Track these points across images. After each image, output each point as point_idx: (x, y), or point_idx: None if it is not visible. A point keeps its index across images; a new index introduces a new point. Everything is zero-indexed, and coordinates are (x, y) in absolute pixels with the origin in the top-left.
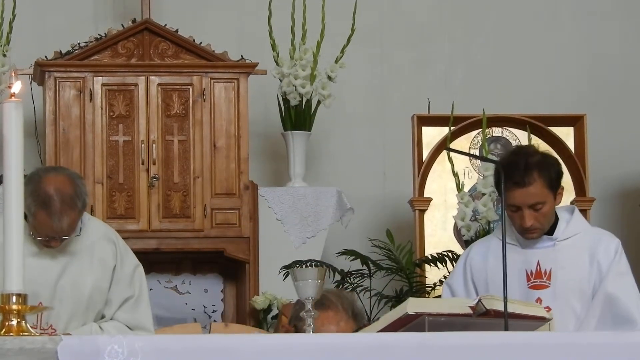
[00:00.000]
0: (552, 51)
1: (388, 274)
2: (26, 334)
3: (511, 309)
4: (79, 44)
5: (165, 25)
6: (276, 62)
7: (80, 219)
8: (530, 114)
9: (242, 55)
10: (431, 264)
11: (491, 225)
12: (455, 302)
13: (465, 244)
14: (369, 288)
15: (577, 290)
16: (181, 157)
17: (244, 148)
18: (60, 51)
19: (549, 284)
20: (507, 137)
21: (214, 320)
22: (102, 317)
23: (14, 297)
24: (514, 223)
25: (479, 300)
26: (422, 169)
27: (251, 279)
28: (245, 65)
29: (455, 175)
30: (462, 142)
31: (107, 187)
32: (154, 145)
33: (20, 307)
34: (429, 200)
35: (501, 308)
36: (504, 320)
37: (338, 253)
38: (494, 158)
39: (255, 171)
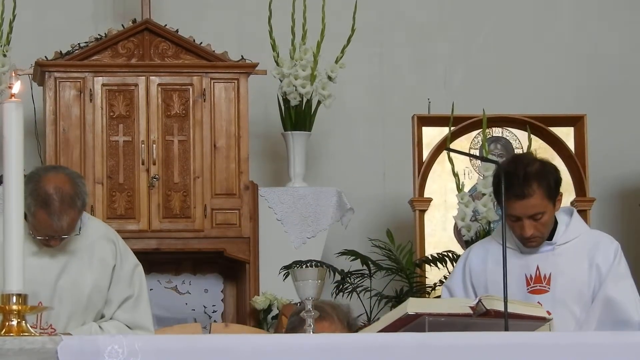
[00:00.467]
0: (552, 51)
1: (388, 274)
2: (26, 334)
3: (511, 309)
4: (79, 44)
5: (166, 25)
6: (276, 62)
7: (80, 219)
8: (530, 114)
9: (242, 56)
10: (431, 264)
11: (491, 225)
12: (456, 302)
13: (466, 244)
14: (369, 288)
15: (576, 295)
16: (181, 157)
17: (244, 148)
18: (61, 51)
19: (549, 288)
20: (507, 137)
21: (214, 321)
22: (102, 316)
23: (14, 298)
24: (514, 232)
25: (479, 301)
26: (422, 169)
27: (251, 279)
28: (246, 65)
29: (456, 175)
30: (462, 142)
31: (107, 187)
32: (154, 145)
33: (20, 308)
34: (429, 200)
35: (501, 308)
36: (504, 320)
37: (338, 253)
38: (494, 158)
39: (255, 171)
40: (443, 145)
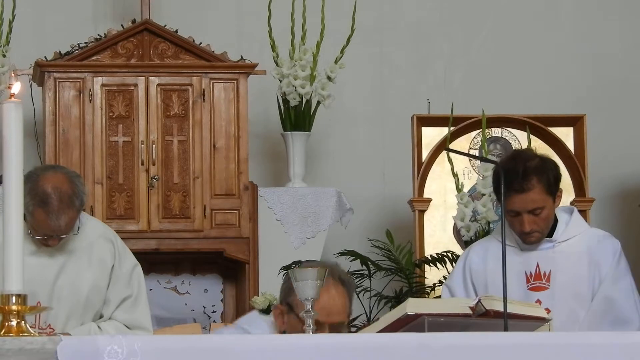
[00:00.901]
0: (552, 51)
1: (388, 275)
2: (26, 334)
3: (511, 309)
4: (78, 44)
5: (165, 25)
6: (276, 62)
7: (79, 218)
8: (530, 114)
9: (241, 56)
10: (431, 264)
11: (491, 225)
12: (455, 302)
13: (465, 244)
14: (368, 288)
15: (576, 292)
16: (181, 157)
17: (243, 148)
18: (60, 52)
19: (548, 285)
20: (507, 138)
21: (214, 321)
22: (101, 316)
23: (14, 298)
24: (514, 228)
25: (479, 301)
26: (422, 169)
27: (251, 279)
28: (245, 65)
29: (455, 175)
30: (462, 143)
31: (106, 188)
32: (154, 145)
33: (19, 308)
34: (429, 200)
35: (501, 308)
36: (504, 320)
37: (338, 253)
38: (494, 158)
39: (255, 171)
40: (442, 146)
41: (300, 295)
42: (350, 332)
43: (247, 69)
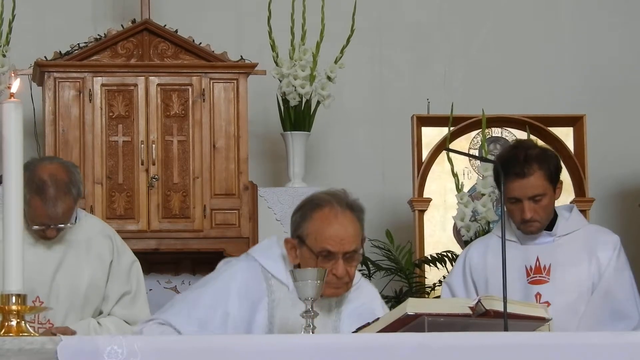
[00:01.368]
0: (552, 51)
1: (387, 275)
2: (25, 334)
3: (511, 309)
4: (78, 44)
5: (165, 25)
6: (276, 62)
7: (76, 208)
8: (530, 114)
9: (241, 56)
10: (431, 264)
11: (490, 225)
12: (455, 302)
13: (465, 244)
14: None
15: (576, 286)
16: (181, 157)
17: (243, 148)
18: (60, 51)
19: (548, 279)
20: (507, 138)
21: None
22: (100, 312)
23: (14, 298)
24: (513, 217)
25: (479, 301)
26: (422, 169)
27: None
28: (245, 65)
29: (455, 175)
30: (462, 143)
31: (106, 188)
32: (154, 145)
33: (19, 308)
34: (429, 200)
35: (501, 308)
36: (504, 320)
37: None
38: (493, 158)
39: (255, 171)
40: (442, 146)
41: (300, 295)
42: (364, 256)
43: (247, 69)
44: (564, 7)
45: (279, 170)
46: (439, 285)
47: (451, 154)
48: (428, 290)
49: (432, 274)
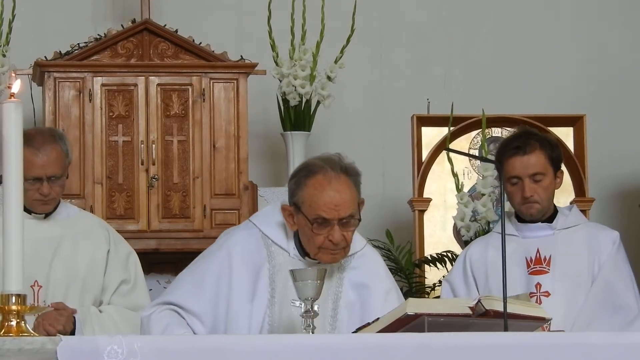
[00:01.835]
0: (552, 51)
1: None
2: (25, 334)
3: (511, 309)
4: (78, 44)
5: (165, 25)
6: (276, 62)
7: (66, 164)
8: (530, 114)
9: (241, 56)
10: (431, 264)
11: (491, 225)
12: (455, 302)
13: (465, 244)
14: None
15: (576, 277)
16: (181, 157)
17: (243, 148)
18: (60, 51)
19: (549, 269)
20: None
21: None
22: (101, 303)
23: (14, 298)
24: (514, 199)
25: (479, 301)
26: (422, 169)
27: None
28: (245, 65)
29: (455, 175)
30: (462, 143)
31: (106, 188)
32: (154, 145)
33: (19, 308)
34: (429, 200)
35: (500, 308)
36: (504, 320)
37: None
38: (493, 158)
39: (255, 171)
40: (442, 146)
41: (300, 295)
42: (360, 220)
43: (247, 68)
44: (564, 7)
45: (279, 170)
46: (439, 285)
47: (451, 154)
48: (428, 290)
49: (432, 274)
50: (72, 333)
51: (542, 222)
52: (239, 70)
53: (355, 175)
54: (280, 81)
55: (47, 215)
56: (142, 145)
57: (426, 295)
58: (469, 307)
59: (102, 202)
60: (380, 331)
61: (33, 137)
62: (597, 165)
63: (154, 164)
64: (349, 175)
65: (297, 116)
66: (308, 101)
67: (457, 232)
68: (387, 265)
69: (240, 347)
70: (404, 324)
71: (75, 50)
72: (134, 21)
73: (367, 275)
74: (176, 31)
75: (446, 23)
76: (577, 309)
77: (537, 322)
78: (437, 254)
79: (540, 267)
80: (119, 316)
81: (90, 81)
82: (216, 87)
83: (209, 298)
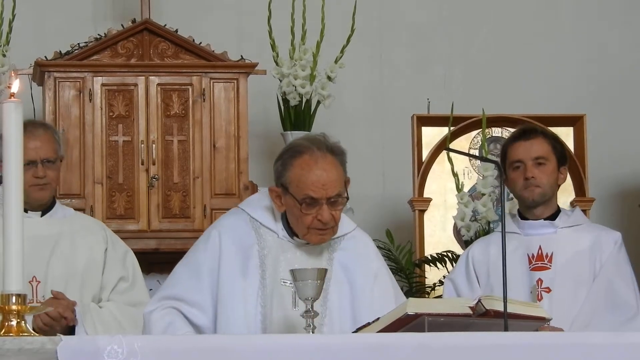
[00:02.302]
0: (552, 51)
1: None
2: (25, 334)
3: (511, 309)
4: (78, 44)
5: (165, 25)
6: (276, 62)
7: (59, 149)
8: (530, 114)
9: (241, 56)
10: (431, 264)
11: (491, 225)
12: (455, 302)
13: (465, 244)
14: None
15: (577, 273)
16: (181, 157)
17: (243, 148)
18: (60, 51)
19: (550, 266)
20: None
21: None
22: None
23: (14, 298)
24: (516, 184)
25: (479, 301)
26: (422, 169)
27: None
28: (245, 65)
29: (455, 175)
30: (462, 142)
31: (106, 188)
32: (154, 145)
33: (19, 308)
34: (429, 200)
35: (501, 308)
36: (504, 320)
37: None
38: (494, 158)
39: (255, 171)
40: (442, 145)
41: (300, 295)
42: (347, 199)
43: (247, 68)
44: (564, 7)
45: None
46: (439, 285)
47: (451, 154)
48: (428, 290)
49: (432, 274)
50: (72, 326)
51: (545, 219)
52: (239, 70)
53: (341, 155)
54: (281, 81)
55: (43, 213)
56: (142, 145)
57: (426, 295)
58: (469, 307)
59: (103, 202)
60: (380, 331)
61: (25, 126)
62: (597, 165)
63: (154, 164)
64: (335, 154)
65: (297, 116)
66: (308, 101)
67: (457, 232)
68: (388, 265)
69: (240, 347)
70: (404, 323)
71: (76, 50)
72: (134, 21)
73: (356, 257)
74: (176, 31)
75: (446, 23)
76: (577, 306)
77: (537, 322)
78: (437, 253)
79: (542, 264)
80: (118, 311)
81: (90, 81)
82: (216, 87)
83: (207, 286)
